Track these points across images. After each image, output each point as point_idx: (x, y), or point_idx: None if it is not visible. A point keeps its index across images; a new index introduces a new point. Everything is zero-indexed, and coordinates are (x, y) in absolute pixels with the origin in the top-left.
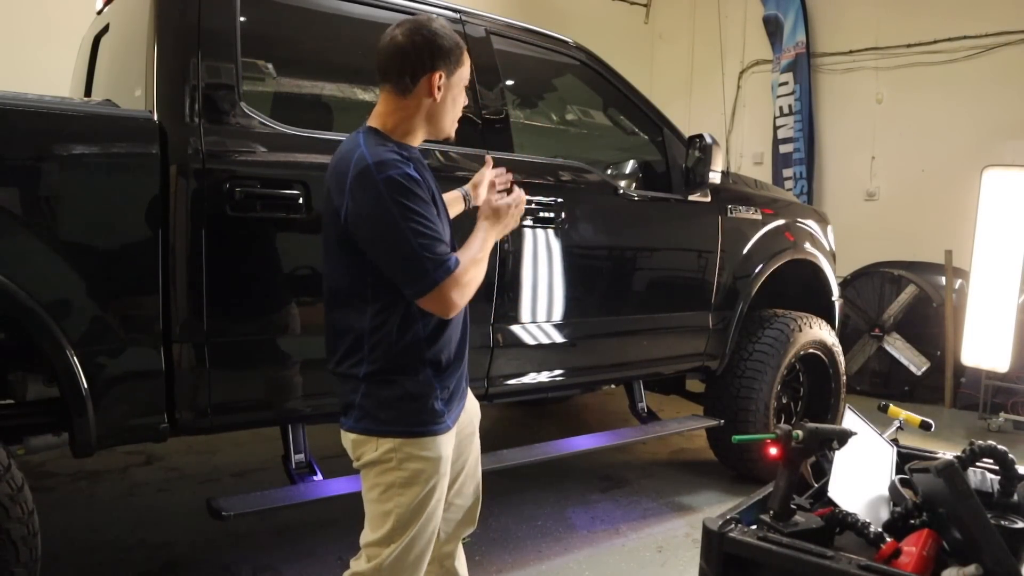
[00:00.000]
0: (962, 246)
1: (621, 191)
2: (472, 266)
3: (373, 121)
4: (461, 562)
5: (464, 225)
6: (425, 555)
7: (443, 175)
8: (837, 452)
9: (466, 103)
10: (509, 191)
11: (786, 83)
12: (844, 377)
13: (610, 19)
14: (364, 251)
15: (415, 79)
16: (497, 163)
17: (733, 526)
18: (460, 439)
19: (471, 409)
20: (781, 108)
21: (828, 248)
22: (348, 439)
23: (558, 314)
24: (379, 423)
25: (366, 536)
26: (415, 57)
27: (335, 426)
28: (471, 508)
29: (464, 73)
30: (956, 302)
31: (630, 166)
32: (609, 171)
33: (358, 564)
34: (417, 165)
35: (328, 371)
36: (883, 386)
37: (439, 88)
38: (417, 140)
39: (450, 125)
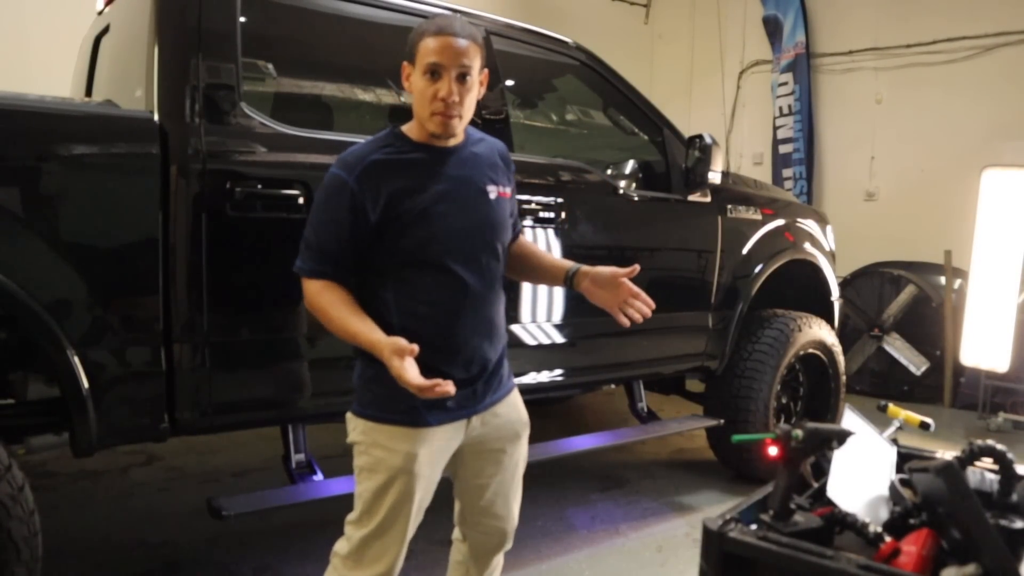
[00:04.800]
0: (962, 246)
1: (621, 191)
2: (323, 305)
3: None
4: None
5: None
6: (390, 551)
7: None
8: (836, 452)
9: (447, 94)
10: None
11: (786, 83)
12: (844, 377)
13: (610, 19)
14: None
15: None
16: None
17: (733, 526)
18: (484, 453)
19: (501, 425)
20: (781, 108)
21: (828, 248)
22: None
23: (558, 314)
24: (359, 404)
25: (349, 515)
26: None
27: (335, 426)
28: (501, 528)
29: (420, 61)
30: (955, 302)
31: (630, 166)
32: (609, 171)
33: (339, 543)
34: (378, 167)
35: None
36: (883, 386)
37: (407, 79)
38: (422, 132)
39: (423, 118)
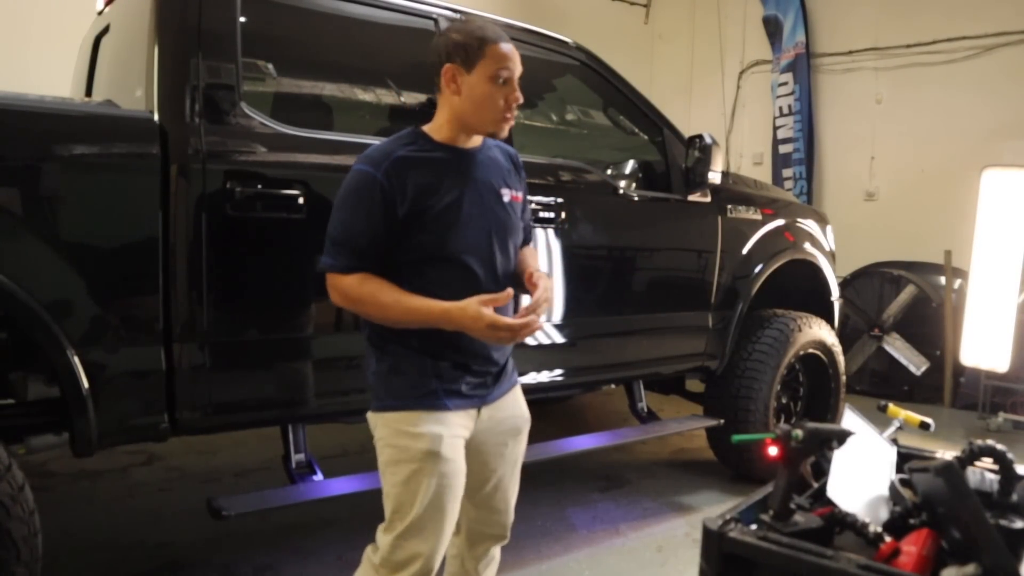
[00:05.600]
0: (962, 246)
1: (621, 191)
2: (369, 295)
3: (430, 123)
4: (491, 571)
5: None
6: (427, 544)
7: None
8: (836, 452)
9: (516, 100)
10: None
11: (786, 83)
12: (844, 377)
13: (610, 19)
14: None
15: (437, 76)
16: None
17: (733, 526)
18: (488, 447)
19: (505, 419)
20: (781, 108)
21: (828, 248)
22: None
23: (558, 314)
24: (377, 399)
25: (381, 525)
26: (435, 55)
27: (335, 426)
28: (500, 522)
29: (489, 68)
30: (955, 302)
31: (630, 166)
32: (609, 171)
33: (371, 551)
34: (404, 163)
35: None
36: (882, 386)
37: (454, 81)
38: (455, 135)
39: (487, 122)
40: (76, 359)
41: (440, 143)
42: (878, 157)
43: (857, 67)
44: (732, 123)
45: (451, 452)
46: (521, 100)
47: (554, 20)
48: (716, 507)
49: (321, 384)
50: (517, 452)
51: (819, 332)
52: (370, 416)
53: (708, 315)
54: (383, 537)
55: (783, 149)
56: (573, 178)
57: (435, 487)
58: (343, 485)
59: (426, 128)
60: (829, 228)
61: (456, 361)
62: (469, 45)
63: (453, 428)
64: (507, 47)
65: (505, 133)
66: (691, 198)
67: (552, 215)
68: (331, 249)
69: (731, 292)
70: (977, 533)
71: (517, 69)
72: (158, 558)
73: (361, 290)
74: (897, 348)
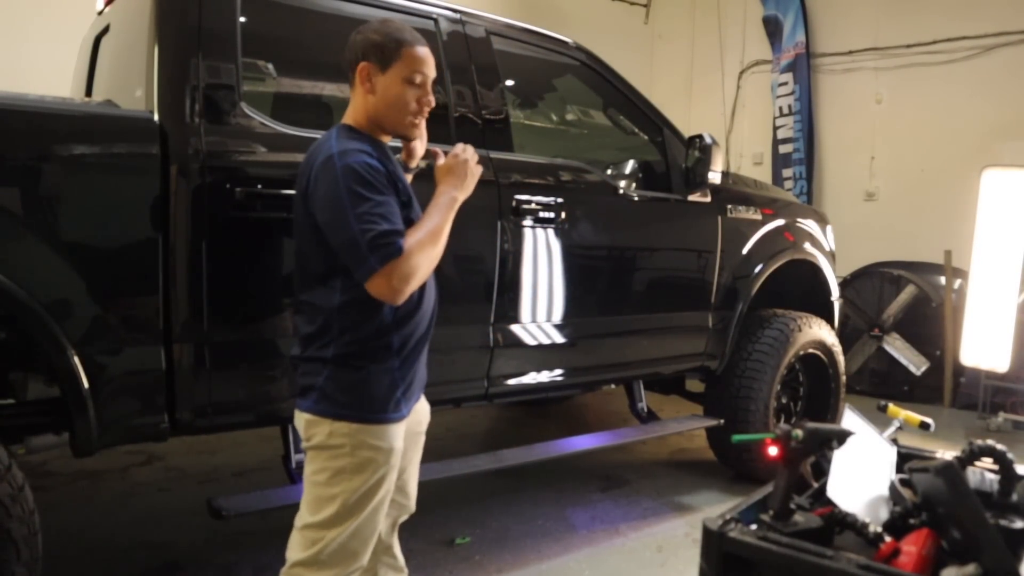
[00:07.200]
0: (962, 246)
1: (621, 191)
2: (420, 248)
3: (345, 118)
4: (398, 548)
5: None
6: (369, 544)
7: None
8: (836, 452)
9: (428, 103)
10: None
11: (786, 83)
12: (844, 377)
13: (610, 19)
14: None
15: (352, 72)
16: (498, 163)
17: (733, 526)
18: (408, 436)
19: (421, 408)
20: (781, 108)
21: (828, 248)
22: (301, 420)
23: (558, 314)
24: (336, 406)
25: (303, 518)
26: (349, 52)
27: None
28: (407, 506)
29: (404, 69)
30: (955, 302)
31: (630, 166)
32: (609, 171)
33: (295, 552)
34: (382, 157)
35: (292, 357)
36: (883, 386)
37: (368, 80)
38: (373, 131)
39: (399, 123)
40: (76, 359)
41: (375, 138)
42: (878, 157)
43: (857, 67)
44: (732, 123)
45: (400, 459)
46: (433, 104)
47: (554, 20)
48: (716, 507)
49: None
50: (423, 432)
51: (819, 332)
52: (313, 420)
53: (708, 315)
54: (322, 532)
55: (783, 149)
56: (573, 178)
57: (387, 492)
58: None
59: (351, 125)
60: (829, 228)
61: (417, 374)
62: (386, 46)
63: (402, 435)
64: (423, 51)
65: (415, 137)
66: (691, 198)
67: (552, 215)
68: (379, 240)
69: (731, 292)
70: (977, 533)
71: (432, 73)
72: (158, 558)
73: (416, 253)
74: (897, 348)
